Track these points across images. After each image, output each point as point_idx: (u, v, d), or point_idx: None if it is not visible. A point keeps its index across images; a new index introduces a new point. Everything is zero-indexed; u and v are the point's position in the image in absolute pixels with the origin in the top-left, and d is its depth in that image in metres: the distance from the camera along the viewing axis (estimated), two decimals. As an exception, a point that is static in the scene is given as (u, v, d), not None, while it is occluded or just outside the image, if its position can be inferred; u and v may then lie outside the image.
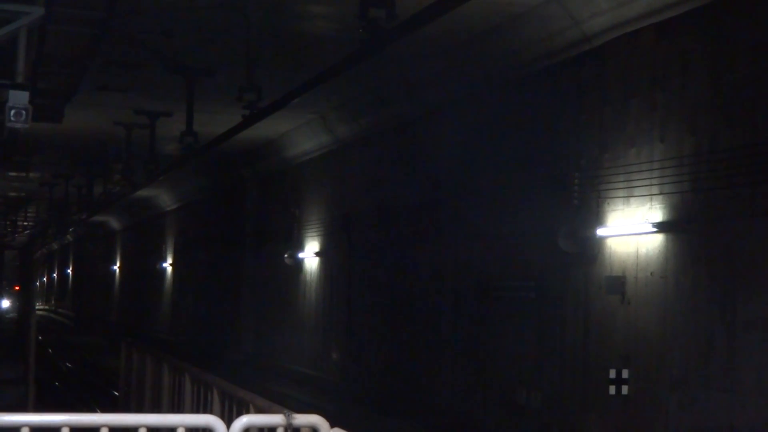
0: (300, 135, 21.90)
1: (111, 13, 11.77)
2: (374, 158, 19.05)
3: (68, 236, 57.11)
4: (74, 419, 5.39)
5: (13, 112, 8.33)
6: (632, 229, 11.14)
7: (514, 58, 13.59)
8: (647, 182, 10.96)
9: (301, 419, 5.51)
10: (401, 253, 17.50)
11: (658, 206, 10.82)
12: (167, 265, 37.55)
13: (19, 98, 8.36)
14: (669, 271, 10.61)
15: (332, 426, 5.57)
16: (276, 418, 5.54)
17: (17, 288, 62.86)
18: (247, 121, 14.00)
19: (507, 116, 14.20)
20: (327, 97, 17.88)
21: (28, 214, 43.52)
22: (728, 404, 9.66)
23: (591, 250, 11.91)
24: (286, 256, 22.86)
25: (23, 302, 26.89)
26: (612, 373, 11.06)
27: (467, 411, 14.86)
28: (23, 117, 8.33)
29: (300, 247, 22.56)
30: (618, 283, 11.34)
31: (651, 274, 10.88)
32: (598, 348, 11.76)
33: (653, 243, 10.88)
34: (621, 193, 11.42)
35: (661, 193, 10.78)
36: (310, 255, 21.97)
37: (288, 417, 5.49)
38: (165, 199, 36.79)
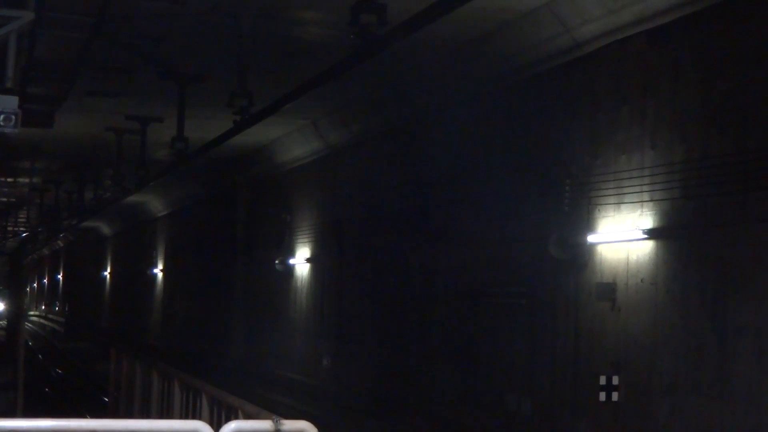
0: (291, 141, 21.89)
1: (102, 18, 11.76)
2: (366, 164, 19.04)
3: (59, 242, 57.00)
4: (63, 425, 5.36)
5: (2, 116, 8.29)
6: (623, 236, 11.15)
7: (505, 64, 13.60)
8: (638, 189, 10.97)
9: (290, 425, 5.50)
10: (393, 259, 17.49)
11: (648, 213, 10.83)
12: (158, 271, 37.49)
13: (8, 103, 8.32)
14: (659, 277, 10.62)
15: (321, 432, 5.56)
16: (264, 424, 5.52)
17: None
18: (239, 126, 13.98)
19: (498, 122, 14.21)
20: (318, 102, 17.88)
21: (19, 220, 43.41)
22: (719, 411, 9.67)
23: (582, 256, 11.92)
24: (277, 261, 22.84)
25: (13, 308, 26.83)
26: (602, 380, 11.06)
27: (458, 417, 14.85)
28: (12, 122, 8.29)
29: (291, 253, 22.54)
30: (608, 290, 11.35)
31: (641, 280, 10.89)
32: (589, 354, 11.76)
33: (644, 250, 10.89)
34: (612, 199, 11.42)
35: (651, 200, 10.79)
36: (301, 261, 21.95)
37: (276, 423, 5.47)
38: (156, 204, 36.74)
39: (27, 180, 30.75)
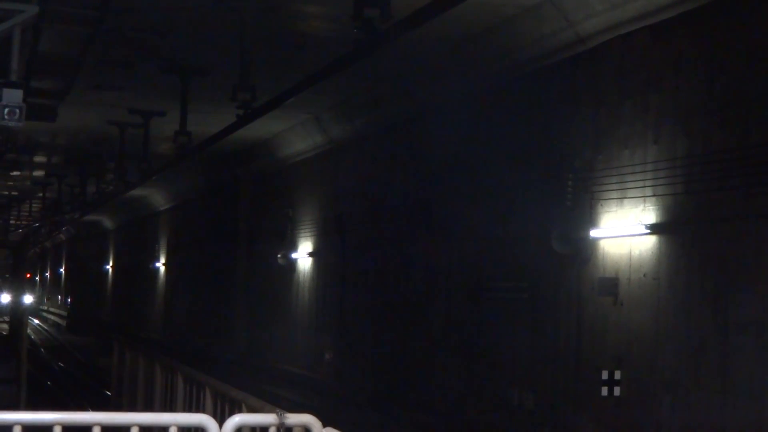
0: (294, 135, 21.89)
1: (105, 12, 11.76)
2: (368, 158, 19.05)
3: (61, 235, 57.00)
4: (67, 418, 5.38)
5: (6, 110, 8.31)
6: (625, 231, 11.16)
7: (508, 59, 13.60)
8: (640, 184, 10.97)
9: (293, 419, 5.51)
10: (394, 253, 17.50)
11: (651, 208, 10.83)
12: (160, 265, 37.52)
13: (12, 96, 8.35)
14: (662, 272, 10.63)
15: (324, 425, 5.58)
16: (268, 418, 5.54)
17: (28, 275, 61.07)
18: (241, 120, 13.99)
19: (501, 117, 14.21)
20: (321, 97, 17.88)
21: (21, 213, 43.45)
22: (720, 405, 9.68)
23: (584, 251, 11.92)
24: (279, 256, 22.85)
25: (15, 301, 26.88)
26: (604, 374, 11.07)
27: (460, 411, 14.87)
28: (17, 115, 8.32)
29: (293, 247, 22.55)
30: (611, 285, 11.35)
31: (644, 275, 10.90)
32: (591, 349, 11.77)
33: (646, 244, 10.90)
34: (614, 194, 11.43)
35: (654, 195, 10.80)
36: (303, 255, 21.97)
37: (280, 416, 5.49)
38: (158, 198, 36.76)
39: (30, 173, 30.78)
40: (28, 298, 59.30)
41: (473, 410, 14.49)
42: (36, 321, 62.35)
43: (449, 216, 15.57)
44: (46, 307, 73.42)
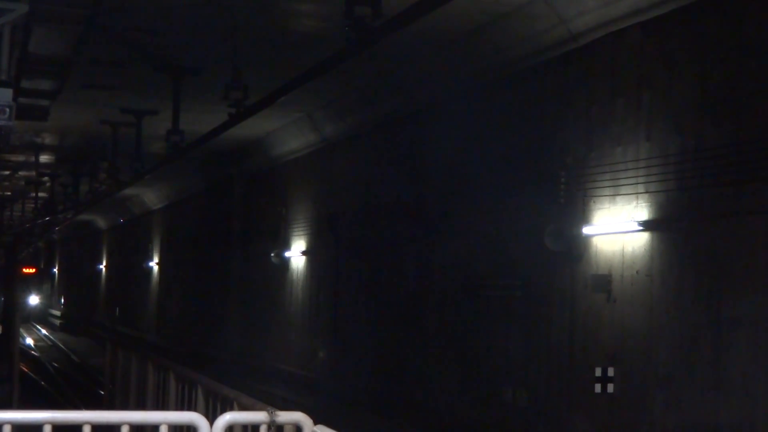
0: (287, 134, 21.87)
1: (96, 11, 11.73)
2: (361, 157, 19.03)
3: (54, 235, 56.89)
4: (57, 417, 5.36)
5: (-5, 109, 8.29)
6: (618, 228, 11.16)
7: (500, 56, 13.59)
8: (633, 181, 10.97)
9: (285, 416, 5.50)
10: (388, 251, 17.49)
11: (644, 205, 10.83)
12: (153, 264, 37.47)
13: (2, 95, 8.33)
14: (655, 269, 10.63)
15: (316, 423, 5.56)
16: (259, 416, 5.53)
17: (32, 270, 58.69)
18: (234, 119, 13.96)
19: (493, 115, 14.20)
20: (314, 95, 17.86)
21: (14, 213, 43.37)
22: (714, 402, 9.68)
23: (577, 248, 11.92)
24: (272, 255, 22.83)
25: (7, 301, 26.85)
26: (598, 372, 11.07)
27: (454, 409, 14.86)
28: (6, 114, 8.30)
29: (287, 246, 22.53)
30: (604, 282, 11.35)
31: (637, 272, 10.89)
32: (584, 346, 11.77)
33: (639, 241, 10.90)
34: (607, 191, 11.43)
35: (647, 192, 10.80)
36: (296, 254, 21.95)
37: (271, 414, 5.48)
38: (151, 197, 36.72)
39: (22, 173, 30.72)
40: (33, 299, 57.93)
41: (466, 408, 14.49)
42: (43, 331, 56.27)
43: (442, 214, 15.56)
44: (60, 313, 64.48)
